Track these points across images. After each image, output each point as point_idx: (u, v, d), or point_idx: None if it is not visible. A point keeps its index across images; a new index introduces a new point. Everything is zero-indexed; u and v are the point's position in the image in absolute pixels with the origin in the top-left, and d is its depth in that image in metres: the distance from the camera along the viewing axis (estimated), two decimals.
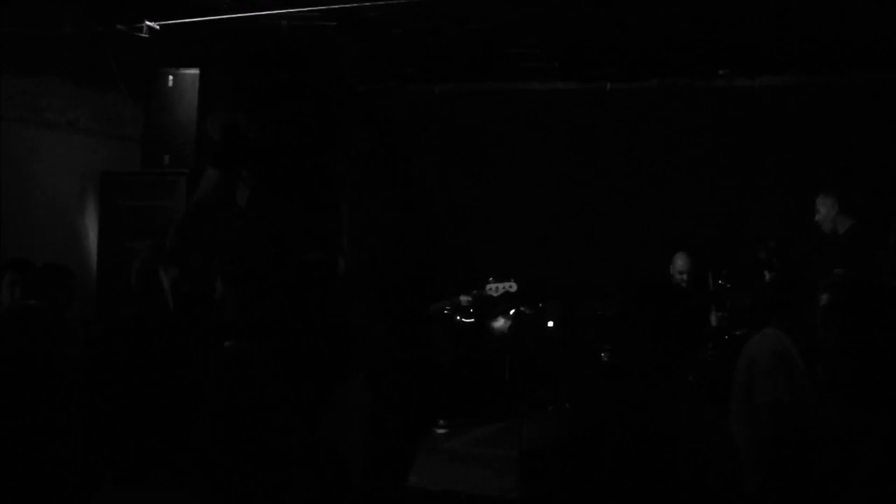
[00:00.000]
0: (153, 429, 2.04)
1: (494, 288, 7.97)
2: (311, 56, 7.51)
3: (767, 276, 7.19)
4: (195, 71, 6.84)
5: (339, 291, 3.92)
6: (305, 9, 6.60)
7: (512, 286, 7.95)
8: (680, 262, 8.10)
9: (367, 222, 9.67)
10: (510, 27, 7.37)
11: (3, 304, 5.52)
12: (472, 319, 7.99)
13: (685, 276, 8.03)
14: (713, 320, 7.60)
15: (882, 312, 3.12)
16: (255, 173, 3.87)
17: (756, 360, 5.20)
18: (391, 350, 7.31)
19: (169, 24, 6.44)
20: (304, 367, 3.48)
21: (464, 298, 7.98)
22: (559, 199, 9.18)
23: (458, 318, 7.95)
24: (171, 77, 6.83)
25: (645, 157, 8.95)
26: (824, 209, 7.43)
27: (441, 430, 7.02)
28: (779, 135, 8.59)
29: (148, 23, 6.43)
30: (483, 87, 9.38)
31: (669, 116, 8.88)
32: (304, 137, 3.80)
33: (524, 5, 6.86)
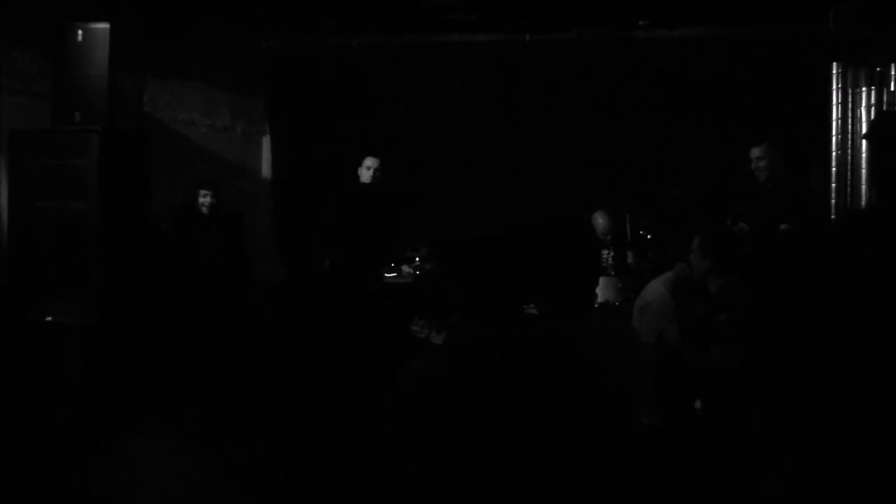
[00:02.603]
0: None
1: None
2: None
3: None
4: (105, 25, 6.62)
5: None
6: None
7: None
8: (601, 221, 7.91)
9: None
10: None
11: None
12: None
13: (609, 238, 7.87)
14: (629, 258, 7.52)
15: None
16: None
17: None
18: None
19: None
20: None
21: None
22: (480, 151, 9.16)
23: None
24: (80, 31, 6.59)
25: (566, 108, 8.96)
26: (769, 158, 7.45)
27: None
28: (698, 85, 8.66)
29: None
30: (402, 40, 9.28)
31: (590, 67, 8.90)
32: None
33: None
